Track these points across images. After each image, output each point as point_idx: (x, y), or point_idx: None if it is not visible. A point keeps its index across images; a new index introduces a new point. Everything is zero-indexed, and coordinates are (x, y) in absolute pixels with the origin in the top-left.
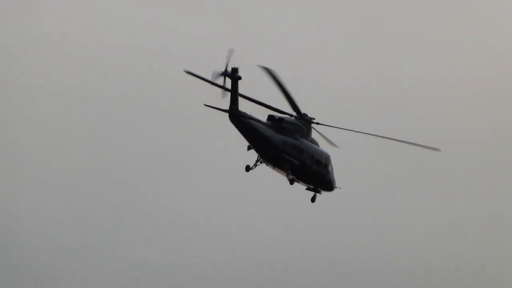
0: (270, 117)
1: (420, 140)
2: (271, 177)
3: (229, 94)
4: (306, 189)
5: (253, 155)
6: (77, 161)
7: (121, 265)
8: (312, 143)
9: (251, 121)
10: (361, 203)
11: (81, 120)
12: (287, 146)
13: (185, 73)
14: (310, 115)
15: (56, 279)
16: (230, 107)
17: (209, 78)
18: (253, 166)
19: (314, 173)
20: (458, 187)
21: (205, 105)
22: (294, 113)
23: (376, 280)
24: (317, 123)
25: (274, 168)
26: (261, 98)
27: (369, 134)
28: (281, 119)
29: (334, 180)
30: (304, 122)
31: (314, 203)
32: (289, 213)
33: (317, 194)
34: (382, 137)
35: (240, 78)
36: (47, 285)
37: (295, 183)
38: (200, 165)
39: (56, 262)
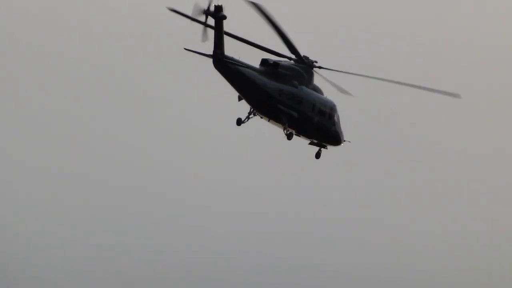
0: (264, 62)
1: (439, 86)
2: (267, 131)
3: (212, 36)
4: (309, 143)
5: (244, 106)
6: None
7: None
8: (314, 90)
9: (240, 67)
10: (371, 160)
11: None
12: (284, 95)
13: (168, 11)
14: (311, 58)
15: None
16: (214, 51)
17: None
18: (245, 119)
19: (316, 126)
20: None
21: (186, 49)
22: (293, 56)
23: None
24: (320, 67)
25: (269, 120)
26: (255, 40)
27: (381, 79)
28: (276, 63)
29: (341, 132)
30: (304, 66)
31: (319, 159)
32: (289, 173)
33: (322, 149)
34: (396, 82)
35: (225, 17)
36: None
37: (295, 137)
38: (184, 120)
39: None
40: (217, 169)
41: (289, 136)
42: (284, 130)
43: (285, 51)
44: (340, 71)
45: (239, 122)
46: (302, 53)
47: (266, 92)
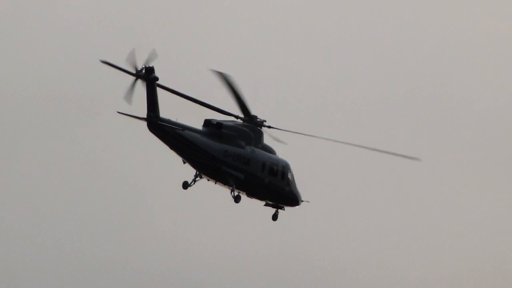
0: (207, 122)
1: (397, 149)
2: (216, 192)
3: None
4: (265, 205)
5: (190, 168)
6: None
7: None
8: (265, 150)
9: (178, 129)
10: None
11: None
12: (229, 157)
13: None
14: (260, 117)
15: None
16: (147, 114)
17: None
18: (191, 182)
19: (268, 186)
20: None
21: (119, 112)
22: (241, 115)
23: None
24: (269, 127)
25: (216, 183)
26: (200, 98)
27: (333, 140)
28: (219, 124)
29: (297, 192)
30: (251, 126)
31: (276, 221)
32: (243, 236)
33: (279, 210)
34: (350, 144)
35: (156, 79)
36: None
37: (253, 199)
38: (128, 185)
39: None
40: (167, 237)
41: (237, 199)
42: (231, 193)
43: (231, 109)
44: (289, 131)
45: (185, 185)
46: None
47: (209, 154)
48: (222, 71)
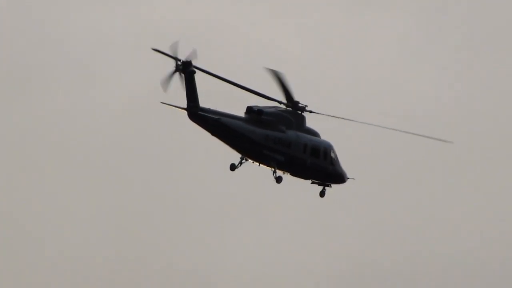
0: (248, 109)
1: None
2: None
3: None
4: (312, 183)
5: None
6: None
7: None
8: (309, 133)
9: (215, 117)
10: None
11: None
12: (270, 141)
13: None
14: (303, 102)
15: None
16: (187, 104)
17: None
18: (238, 165)
19: (310, 167)
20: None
21: (162, 102)
22: (284, 101)
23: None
24: (310, 111)
25: (259, 165)
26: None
27: (371, 124)
28: (260, 111)
29: (342, 171)
30: (292, 111)
31: (324, 197)
32: (290, 213)
33: (326, 188)
34: (387, 128)
35: (194, 72)
36: None
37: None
38: (178, 171)
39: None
40: (219, 217)
41: (278, 180)
42: (273, 174)
43: (275, 94)
44: (330, 115)
45: (233, 167)
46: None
47: (250, 139)
48: (275, 69)
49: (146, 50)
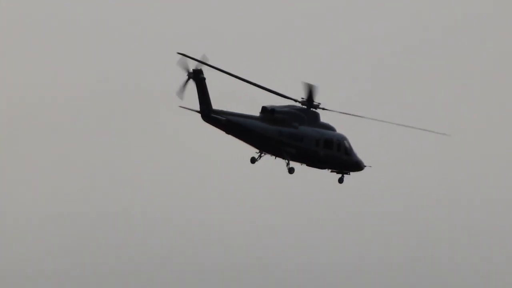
0: (263, 109)
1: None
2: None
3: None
4: (331, 171)
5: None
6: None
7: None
8: (323, 127)
9: (222, 118)
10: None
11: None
12: (284, 136)
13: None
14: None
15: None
16: (200, 108)
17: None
18: (258, 158)
19: (325, 158)
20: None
21: (180, 106)
22: (299, 99)
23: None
24: (323, 109)
25: (275, 158)
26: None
27: (377, 120)
28: (272, 110)
29: (358, 160)
30: (305, 109)
31: (342, 183)
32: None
33: (344, 175)
34: (391, 123)
35: (204, 79)
36: None
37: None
38: (200, 164)
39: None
40: (244, 206)
41: (290, 171)
42: (286, 166)
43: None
44: (340, 112)
45: (253, 160)
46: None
47: (263, 135)
48: (311, 82)
49: (170, 54)
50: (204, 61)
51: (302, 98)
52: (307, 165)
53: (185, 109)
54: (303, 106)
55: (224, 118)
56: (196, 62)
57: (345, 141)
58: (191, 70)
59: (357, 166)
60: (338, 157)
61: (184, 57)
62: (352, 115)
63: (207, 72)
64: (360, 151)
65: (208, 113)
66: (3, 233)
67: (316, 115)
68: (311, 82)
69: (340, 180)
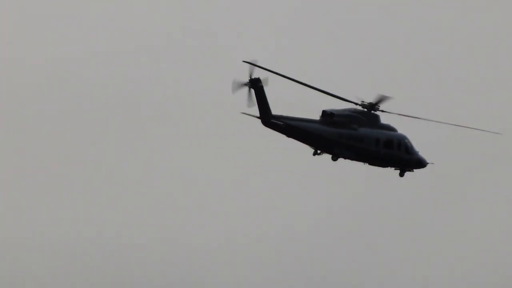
0: (323, 113)
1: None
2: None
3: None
4: (395, 169)
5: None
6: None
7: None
8: (384, 129)
9: (280, 123)
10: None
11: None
12: (344, 138)
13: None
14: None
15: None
16: (260, 114)
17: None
18: (320, 153)
19: (385, 157)
20: None
21: (243, 112)
22: (359, 103)
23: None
24: (382, 111)
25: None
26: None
27: (434, 121)
28: (331, 113)
29: (420, 157)
30: (366, 112)
31: (403, 176)
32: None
33: (407, 172)
34: (445, 123)
35: (262, 87)
36: None
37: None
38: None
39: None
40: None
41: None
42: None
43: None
44: (396, 113)
45: (315, 153)
46: (368, 100)
47: (323, 137)
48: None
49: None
50: (265, 67)
51: (363, 102)
52: (369, 164)
53: (247, 115)
54: (364, 109)
55: (282, 123)
56: (253, 71)
57: (405, 140)
58: (248, 81)
59: (419, 163)
60: (398, 156)
61: (235, 80)
62: (411, 116)
63: (270, 78)
64: (422, 150)
65: (267, 119)
66: None
67: (376, 117)
68: (386, 94)
69: (401, 174)
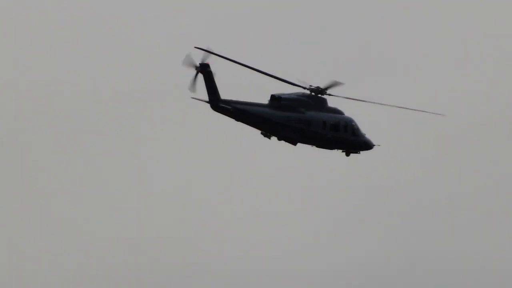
0: (271, 97)
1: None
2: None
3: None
4: (341, 152)
5: None
6: None
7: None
8: (331, 112)
9: (236, 105)
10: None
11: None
12: (292, 121)
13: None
14: (322, 86)
15: None
16: (209, 98)
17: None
18: (269, 135)
19: (333, 139)
20: None
21: (193, 97)
22: (307, 86)
23: None
24: (329, 94)
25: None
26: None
27: (379, 103)
28: (279, 97)
29: (366, 139)
30: (313, 95)
31: (349, 156)
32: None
33: (353, 154)
34: (391, 105)
35: (211, 72)
36: None
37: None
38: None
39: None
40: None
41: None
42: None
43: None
44: (342, 97)
45: (264, 135)
46: (316, 85)
47: (271, 120)
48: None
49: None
50: (217, 53)
51: (310, 86)
52: (317, 146)
53: (196, 100)
54: (312, 93)
55: (230, 107)
56: (202, 56)
57: (352, 123)
58: (198, 64)
59: (366, 145)
60: (345, 138)
61: (189, 54)
62: (358, 100)
63: (221, 63)
64: (369, 133)
65: (216, 103)
66: None
67: (323, 101)
68: (339, 81)
69: (347, 154)
